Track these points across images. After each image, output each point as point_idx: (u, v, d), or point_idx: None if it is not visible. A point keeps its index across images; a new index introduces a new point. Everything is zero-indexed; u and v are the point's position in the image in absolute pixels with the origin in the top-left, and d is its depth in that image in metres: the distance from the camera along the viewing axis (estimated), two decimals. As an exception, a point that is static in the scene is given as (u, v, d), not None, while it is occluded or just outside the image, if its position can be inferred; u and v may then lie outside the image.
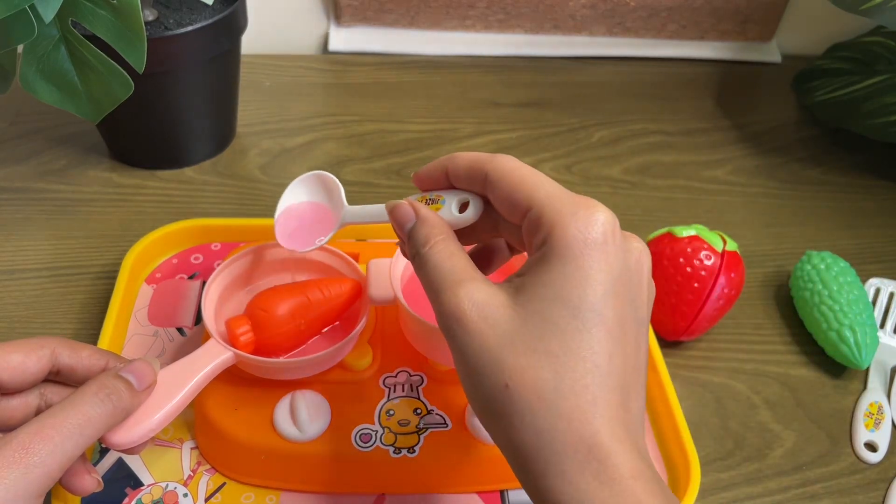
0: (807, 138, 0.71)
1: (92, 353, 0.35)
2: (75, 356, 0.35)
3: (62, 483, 0.34)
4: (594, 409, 0.26)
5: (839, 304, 0.49)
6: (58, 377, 0.35)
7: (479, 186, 0.31)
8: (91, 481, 0.35)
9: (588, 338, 0.26)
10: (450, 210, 0.32)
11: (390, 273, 0.42)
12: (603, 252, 0.27)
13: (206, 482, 0.41)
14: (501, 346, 0.27)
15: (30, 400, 0.35)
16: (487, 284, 0.29)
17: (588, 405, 0.26)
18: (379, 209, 0.37)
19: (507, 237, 0.33)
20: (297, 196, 0.42)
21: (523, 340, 0.27)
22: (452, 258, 0.30)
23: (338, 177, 0.62)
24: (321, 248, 0.45)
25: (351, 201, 0.60)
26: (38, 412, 0.35)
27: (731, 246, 0.48)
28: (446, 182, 0.33)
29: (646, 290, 0.29)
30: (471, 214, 0.32)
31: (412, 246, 0.31)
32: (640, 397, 0.28)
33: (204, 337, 0.42)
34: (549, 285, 0.27)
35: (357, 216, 0.39)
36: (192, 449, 0.42)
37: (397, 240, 0.45)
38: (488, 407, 0.27)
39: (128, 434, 0.35)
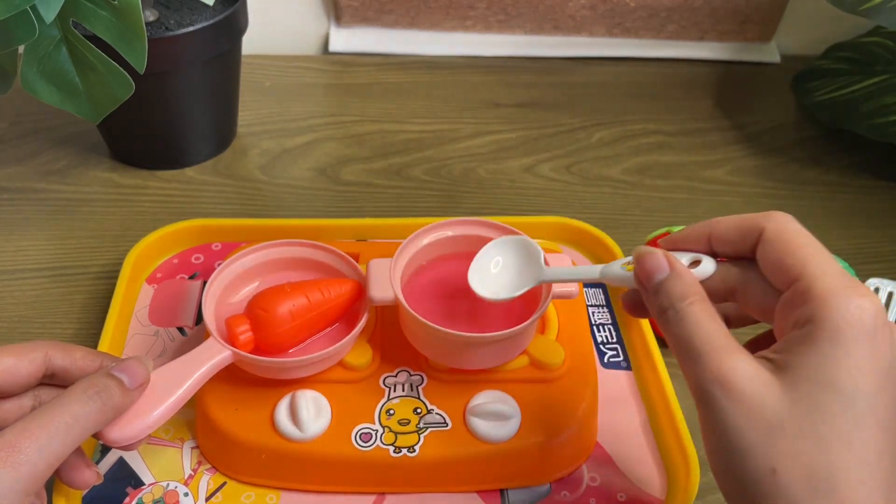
0: (806, 138, 0.71)
1: (86, 354, 0.35)
2: (69, 358, 0.35)
3: (61, 478, 0.34)
4: None
5: (838, 303, 0.49)
6: (53, 380, 0.35)
7: (748, 244, 0.30)
8: (90, 475, 0.35)
9: (862, 431, 0.25)
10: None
11: (390, 273, 0.42)
12: (872, 342, 0.26)
13: (206, 482, 0.41)
14: (771, 428, 0.26)
15: (24, 402, 0.35)
16: (752, 358, 0.28)
17: (860, 500, 0.25)
18: (584, 270, 0.37)
19: (743, 304, 0.32)
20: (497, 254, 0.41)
21: (793, 424, 0.26)
22: (714, 321, 0.29)
23: (338, 177, 0.62)
24: (321, 248, 0.45)
25: (352, 201, 0.60)
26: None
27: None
28: (706, 247, 0.32)
29: None
30: (709, 269, 0.31)
31: (664, 299, 0.30)
32: None
33: (204, 336, 0.42)
34: (818, 369, 0.26)
35: (556, 276, 0.38)
36: (192, 448, 0.42)
37: (399, 240, 0.45)
38: (747, 489, 0.26)
39: (124, 430, 0.35)
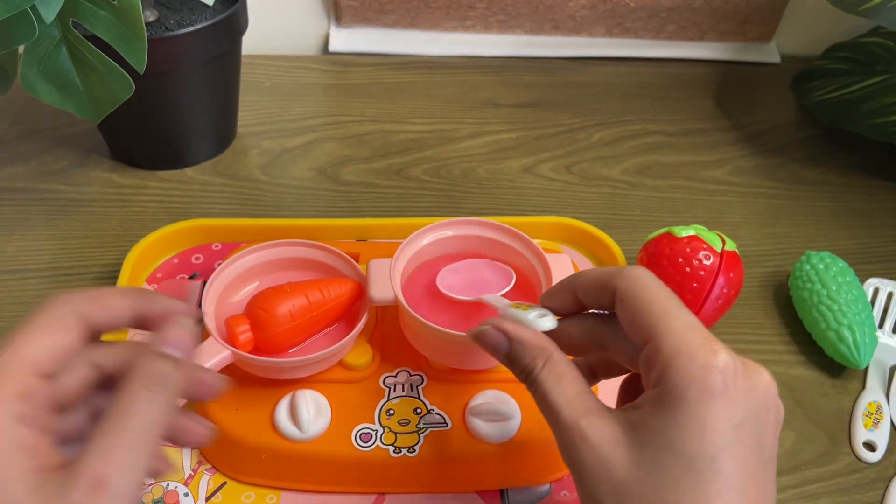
0: (806, 138, 0.71)
1: (118, 299, 0.30)
2: (102, 309, 0.30)
3: (177, 442, 0.31)
4: None
5: (838, 303, 0.49)
6: (95, 337, 0.30)
7: (607, 301, 0.31)
8: (200, 429, 0.31)
9: (704, 493, 0.26)
10: (525, 316, 0.32)
11: (390, 273, 0.42)
12: (724, 400, 0.26)
13: (206, 482, 0.41)
14: (619, 492, 0.27)
15: (79, 374, 0.30)
16: (602, 419, 0.28)
17: None
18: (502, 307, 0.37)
19: (613, 356, 0.32)
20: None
21: (638, 488, 0.26)
22: (562, 383, 0.30)
23: (338, 177, 0.62)
24: (321, 248, 0.45)
25: (352, 201, 0.60)
26: (91, 382, 0.30)
27: (730, 246, 0.48)
28: (575, 303, 0.32)
29: (772, 426, 0.28)
30: (545, 325, 0.32)
31: (517, 372, 0.31)
32: None
33: (204, 336, 0.42)
34: (663, 433, 0.26)
35: (492, 301, 0.39)
36: (192, 448, 0.42)
37: (399, 240, 0.45)
38: None
39: None
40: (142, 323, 0.31)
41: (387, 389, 0.43)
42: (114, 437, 0.26)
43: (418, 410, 0.42)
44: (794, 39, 0.82)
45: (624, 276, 0.30)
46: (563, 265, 0.44)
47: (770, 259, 0.58)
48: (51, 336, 0.28)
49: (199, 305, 0.48)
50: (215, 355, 0.39)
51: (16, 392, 0.26)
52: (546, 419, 0.30)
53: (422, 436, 0.41)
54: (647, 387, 0.28)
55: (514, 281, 0.42)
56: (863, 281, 0.54)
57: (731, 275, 0.47)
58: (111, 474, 0.25)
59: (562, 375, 0.30)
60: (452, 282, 0.43)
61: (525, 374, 0.31)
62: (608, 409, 0.29)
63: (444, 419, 0.41)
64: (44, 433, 0.27)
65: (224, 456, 0.41)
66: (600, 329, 0.32)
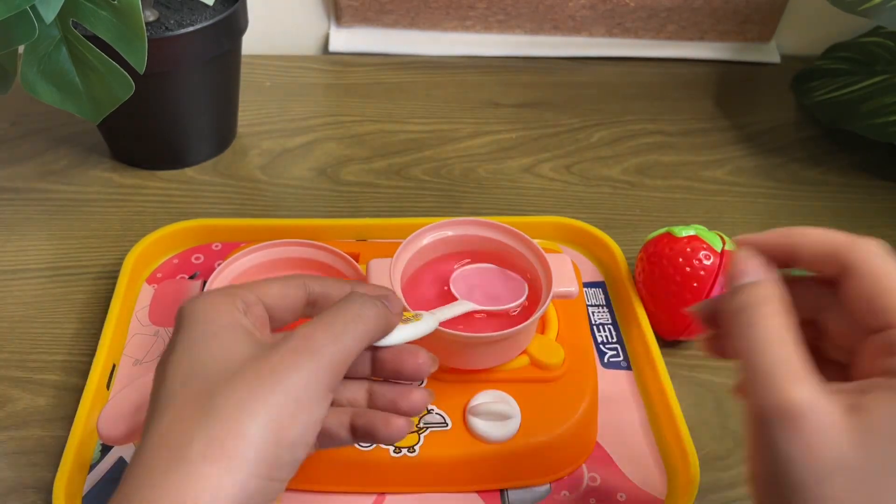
0: (806, 138, 0.71)
1: (336, 280, 0.34)
2: (323, 284, 0.34)
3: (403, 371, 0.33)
4: None
5: (838, 303, 0.49)
6: (313, 309, 0.34)
7: (833, 271, 0.28)
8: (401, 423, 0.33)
9: None
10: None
11: (390, 273, 0.42)
12: None
13: (206, 481, 0.41)
14: (830, 471, 0.24)
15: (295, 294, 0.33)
16: (823, 391, 0.25)
17: None
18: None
19: (826, 329, 0.30)
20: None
21: (859, 479, 0.24)
22: (787, 338, 0.26)
23: (338, 177, 0.62)
24: (321, 248, 0.45)
25: (351, 201, 0.60)
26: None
27: (731, 246, 0.48)
28: (786, 261, 0.29)
29: None
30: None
31: (744, 297, 0.28)
32: None
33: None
34: None
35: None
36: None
37: (399, 240, 0.45)
38: None
39: (123, 429, 0.35)
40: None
41: (387, 389, 0.43)
42: (325, 315, 0.30)
43: (418, 410, 0.42)
44: (794, 39, 0.82)
45: (859, 249, 0.27)
46: (563, 265, 0.44)
47: (770, 259, 0.58)
48: (275, 286, 0.32)
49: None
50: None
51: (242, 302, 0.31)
52: (748, 370, 0.26)
53: (422, 436, 0.41)
54: (873, 372, 0.26)
55: (524, 296, 0.43)
56: (863, 281, 0.54)
57: (732, 275, 0.47)
58: (319, 336, 0.28)
59: (789, 330, 0.26)
60: (463, 286, 0.43)
61: (746, 303, 0.27)
62: (824, 382, 0.25)
63: (444, 419, 0.41)
64: (263, 327, 0.31)
65: (224, 456, 0.41)
66: (818, 300, 0.29)
